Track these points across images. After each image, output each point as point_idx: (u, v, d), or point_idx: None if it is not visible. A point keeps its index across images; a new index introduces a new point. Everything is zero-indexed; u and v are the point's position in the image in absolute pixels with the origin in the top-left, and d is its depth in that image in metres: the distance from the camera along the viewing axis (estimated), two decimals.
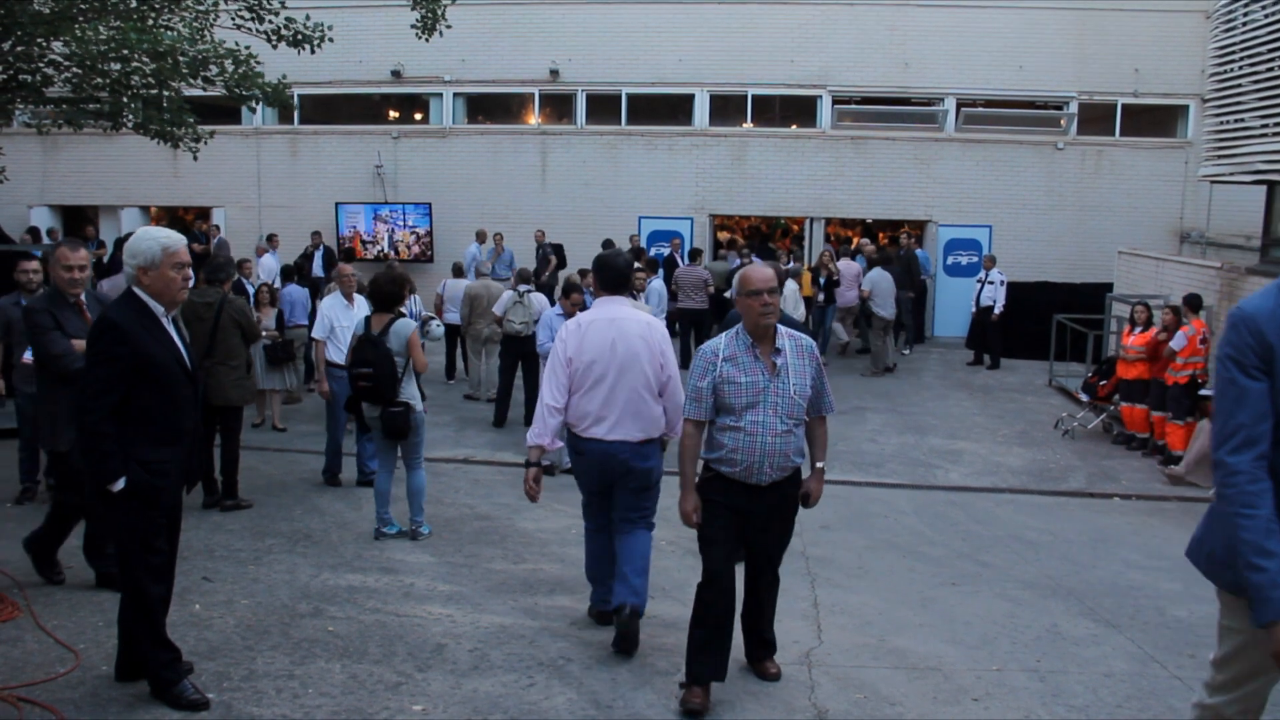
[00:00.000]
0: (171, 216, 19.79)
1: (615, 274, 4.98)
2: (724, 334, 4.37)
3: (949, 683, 4.75)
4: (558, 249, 16.12)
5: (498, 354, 11.13)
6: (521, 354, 10.48)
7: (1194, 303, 10.54)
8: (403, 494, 6.94)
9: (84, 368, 4.10)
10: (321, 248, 16.37)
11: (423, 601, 5.53)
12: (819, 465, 4.48)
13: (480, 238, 16.93)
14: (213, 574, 5.80)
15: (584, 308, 9.96)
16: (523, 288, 10.60)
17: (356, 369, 6.61)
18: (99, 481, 3.95)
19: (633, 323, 4.83)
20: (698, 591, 4.35)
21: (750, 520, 4.35)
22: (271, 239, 16.54)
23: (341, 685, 4.39)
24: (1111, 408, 11.48)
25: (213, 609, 5.23)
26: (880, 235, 19.35)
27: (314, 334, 8.31)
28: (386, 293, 6.77)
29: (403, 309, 7.00)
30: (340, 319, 8.20)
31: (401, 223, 18.12)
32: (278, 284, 12.28)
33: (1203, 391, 10.13)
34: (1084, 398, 12.06)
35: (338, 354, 8.01)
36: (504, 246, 16.74)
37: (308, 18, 10.80)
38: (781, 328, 4.33)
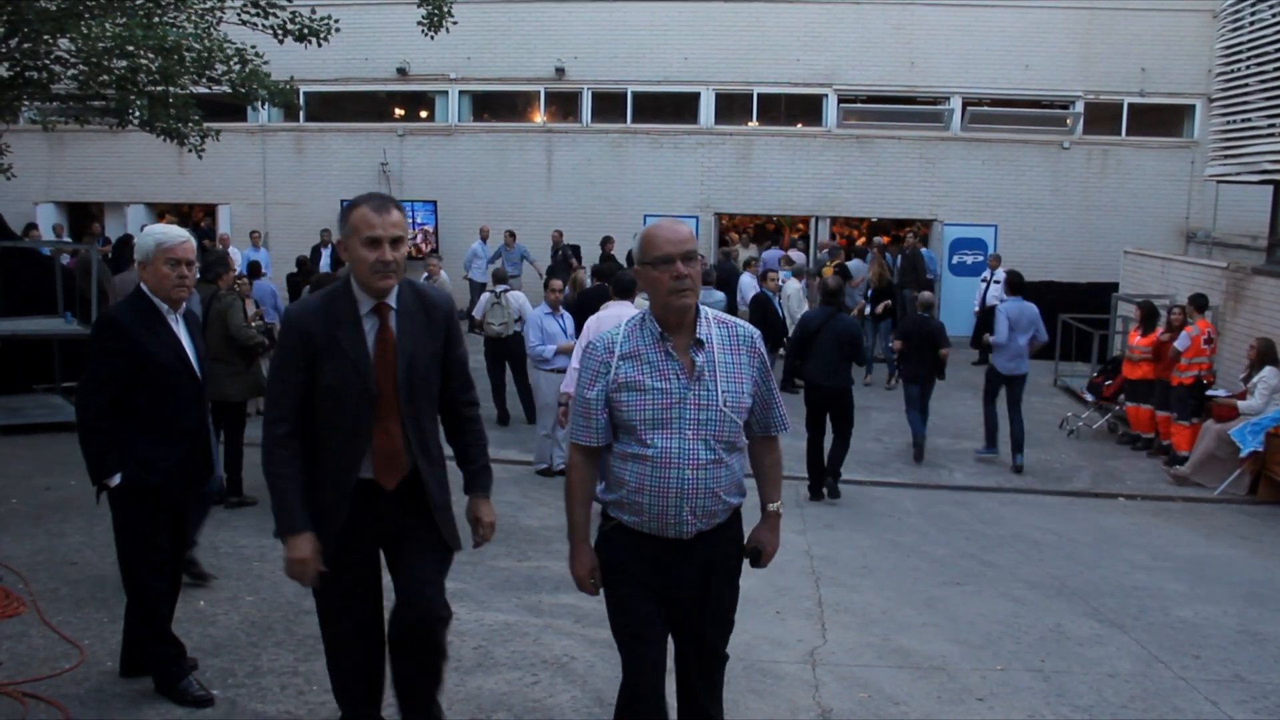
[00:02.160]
0: (178, 213, 19.81)
1: (622, 286, 7.47)
2: (624, 322, 3.16)
3: (953, 682, 4.75)
4: (575, 250, 16.10)
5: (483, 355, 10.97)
6: (506, 355, 10.42)
7: (1199, 303, 10.52)
8: None
9: (86, 364, 4.12)
10: (330, 245, 16.40)
11: None
12: (770, 508, 3.24)
13: (483, 235, 16.94)
14: (217, 571, 5.80)
15: (583, 306, 9.96)
16: (499, 288, 10.55)
17: None
18: (94, 477, 3.97)
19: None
20: (617, 707, 3.28)
21: (673, 590, 3.09)
22: (253, 235, 16.60)
23: None
24: (1116, 408, 11.46)
25: (218, 605, 5.23)
26: (884, 237, 19.30)
27: None
28: (319, 288, 7.34)
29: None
30: None
31: (411, 220, 18.14)
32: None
33: (1209, 392, 10.12)
34: (1089, 398, 12.05)
35: None
36: (515, 243, 16.75)
37: (313, 11, 10.80)
38: (709, 310, 3.11)
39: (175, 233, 4.11)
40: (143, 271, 4.05)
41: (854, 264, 14.72)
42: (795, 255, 16.24)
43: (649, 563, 3.06)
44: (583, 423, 3.09)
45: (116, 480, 3.95)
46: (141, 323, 4.00)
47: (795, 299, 13.19)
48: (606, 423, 3.06)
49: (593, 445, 3.09)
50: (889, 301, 14.44)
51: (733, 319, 3.16)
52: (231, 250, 14.58)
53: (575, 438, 3.13)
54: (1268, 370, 9.41)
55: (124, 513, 4.02)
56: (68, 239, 17.32)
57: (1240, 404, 9.47)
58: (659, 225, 3.06)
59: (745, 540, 3.21)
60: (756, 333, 3.16)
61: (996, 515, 8.26)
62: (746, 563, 3.25)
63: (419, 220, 18.13)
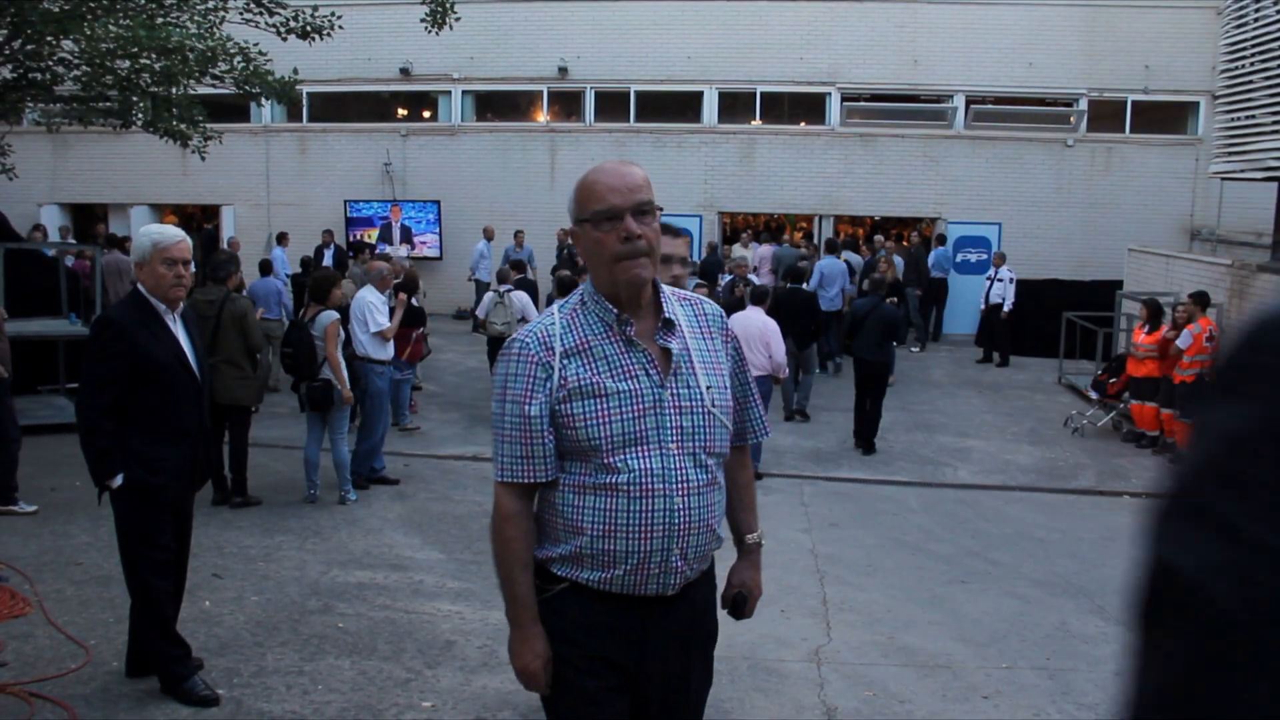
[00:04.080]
0: (181, 215, 19.84)
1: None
2: (557, 306, 2.34)
3: (958, 680, 4.74)
4: None
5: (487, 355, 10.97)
6: None
7: (1201, 300, 10.50)
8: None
9: (84, 366, 4.12)
10: (332, 246, 16.41)
11: (432, 598, 5.54)
12: (750, 539, 2.50)
13: (488, 235, 16.94)
14: (223, 571, 5.82)
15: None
16: (503, 288, 10.55)
17: (283, 348, 7.70)
18: (96, 479, 3.97)
19: None
20: None
21: (641, 672, 2.26)
22: (282, 237, 16.59)
23: (351, 681, 4.40)
24: (1121, 405, 11.43)
25: (223, 605, 5.25)
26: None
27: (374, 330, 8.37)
28: (318, 288, 7.71)
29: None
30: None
31: (413, 222, 18.15)
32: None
33: None
34: (1094, 395, 12.02)
35: (381, 351, 8.06)
36: (524, 243, 16.74)
37: (315, 10, 10.80)
38: (666, 287, 2.33)
39: (171, 232, 4.11)
40: (139, 272, 4.05)
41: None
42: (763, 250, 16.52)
43: (612, 639, 2.23)
44: (519, 451, 2.26)
45: (119, 481, 3.96)
46: (139, 323, 4.00)
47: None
48: (553, 450, 2.26)
49: (529, 480, 2.28)
50: (895, 299, 14.48)
51: (694, 295, 2.45)
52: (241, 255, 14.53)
53: (509, 475, 2.30)
54: None
55: (126, 513, 4.03)
56: (72, 240, 17.35)
57: None
58: (600, 169, 2.25)
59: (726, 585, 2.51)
60: (722, 311, 2.44)
61: (1001, 513, 8.25)
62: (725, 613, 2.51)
63: (430, 219, 18.16)
